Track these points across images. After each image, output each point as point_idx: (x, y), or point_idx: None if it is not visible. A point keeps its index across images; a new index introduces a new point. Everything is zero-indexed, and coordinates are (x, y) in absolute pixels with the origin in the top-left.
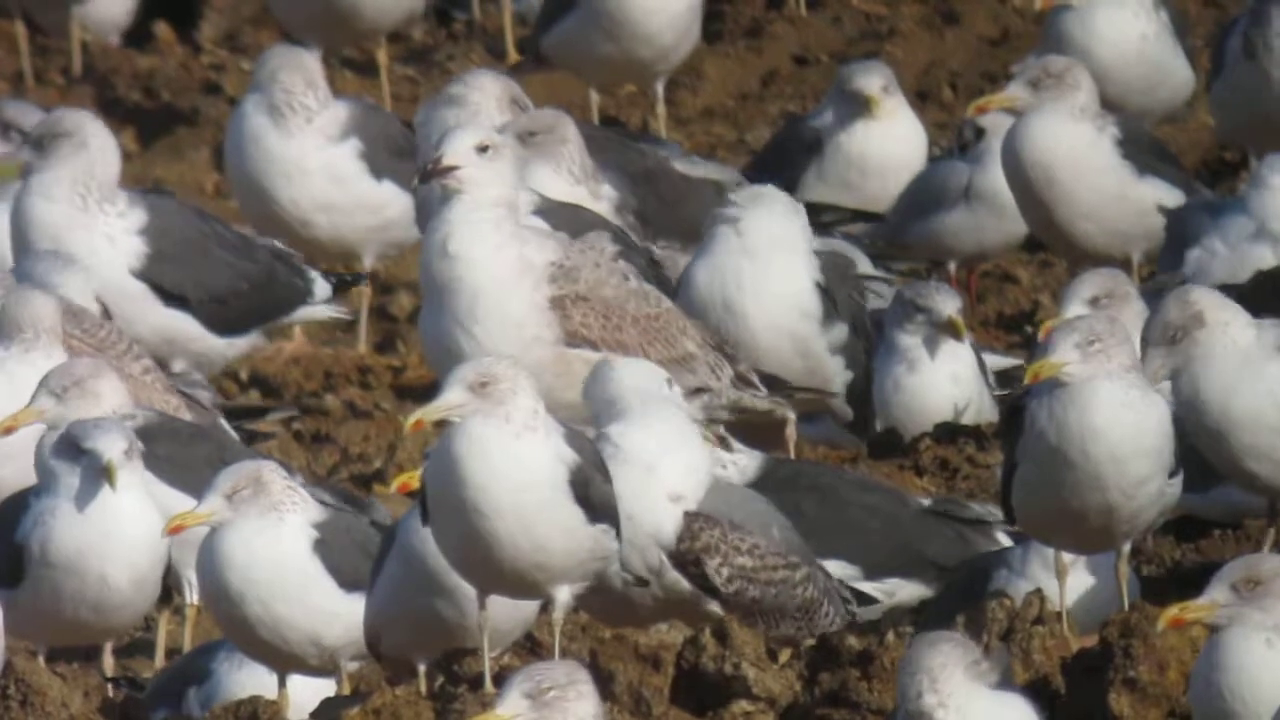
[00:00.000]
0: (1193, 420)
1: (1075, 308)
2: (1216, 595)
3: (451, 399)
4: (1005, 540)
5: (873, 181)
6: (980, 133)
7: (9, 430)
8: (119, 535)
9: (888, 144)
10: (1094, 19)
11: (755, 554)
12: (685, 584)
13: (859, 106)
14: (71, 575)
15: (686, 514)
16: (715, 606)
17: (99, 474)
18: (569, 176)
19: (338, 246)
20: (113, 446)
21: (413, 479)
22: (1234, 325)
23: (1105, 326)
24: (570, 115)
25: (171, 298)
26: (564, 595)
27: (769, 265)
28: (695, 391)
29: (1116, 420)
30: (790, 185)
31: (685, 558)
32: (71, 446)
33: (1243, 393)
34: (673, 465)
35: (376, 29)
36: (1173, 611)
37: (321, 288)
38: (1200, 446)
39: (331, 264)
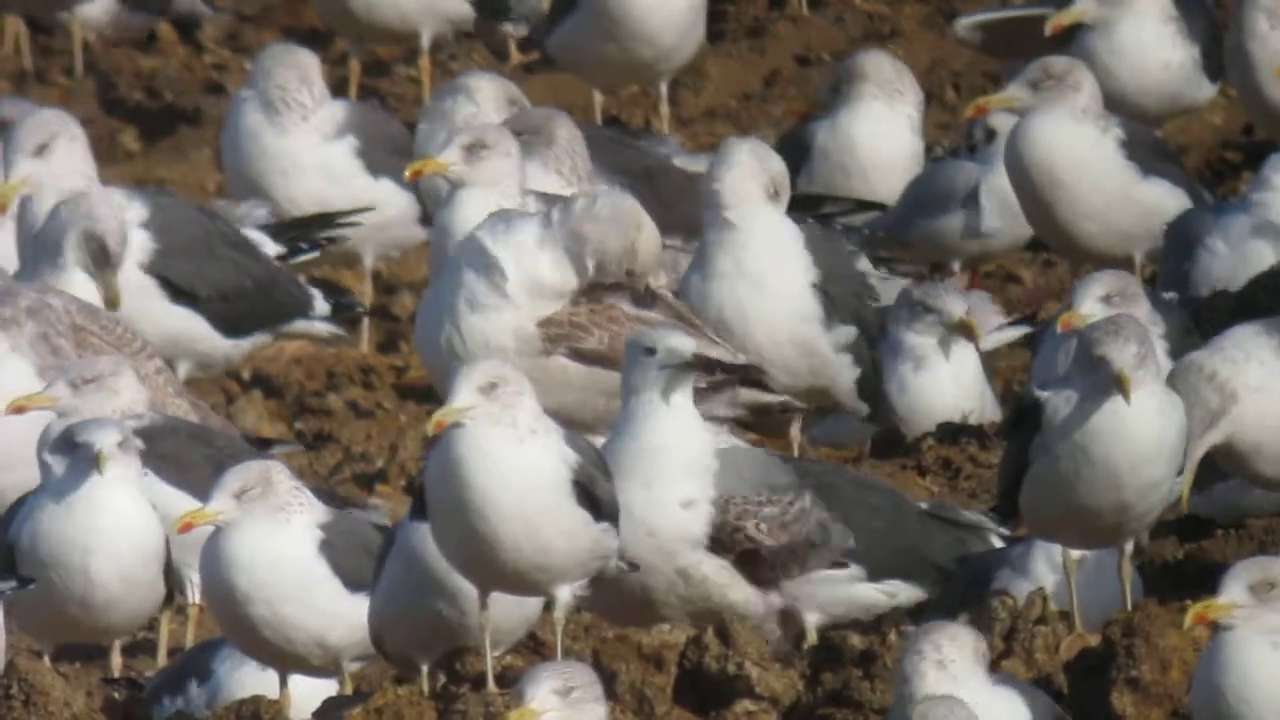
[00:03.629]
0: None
1: (1089, 305)
2: (1235, 596)
3: (465, 400)
4: (1000, 545)
5: (856, 181)
6: (991, 134)
7: (19, 410)
8: (102, 529)
9: (876, 143)
10: (1118, 36)
11: (770, 504)
12: (716, 573)
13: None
14: (56, 569)
15: (710, 498)
16: (742, 594)
17: (87, 465)
18: (558, 177)
19: (335, 246)
20: (105, 438)
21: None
22: (1266, 389)
23: (1145, 332)
24: (565, 116)
25: (180, 294)
26: (565, 594)
27: (764, 278)
28: (705, 389)
29: (1145, 426)
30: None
31: (723, 532)
32: (66, 442)
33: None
34: (675, 470)
35: (417, 30)
36: (1199, 608)
37: (320, 305)
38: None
39: (333, 265)
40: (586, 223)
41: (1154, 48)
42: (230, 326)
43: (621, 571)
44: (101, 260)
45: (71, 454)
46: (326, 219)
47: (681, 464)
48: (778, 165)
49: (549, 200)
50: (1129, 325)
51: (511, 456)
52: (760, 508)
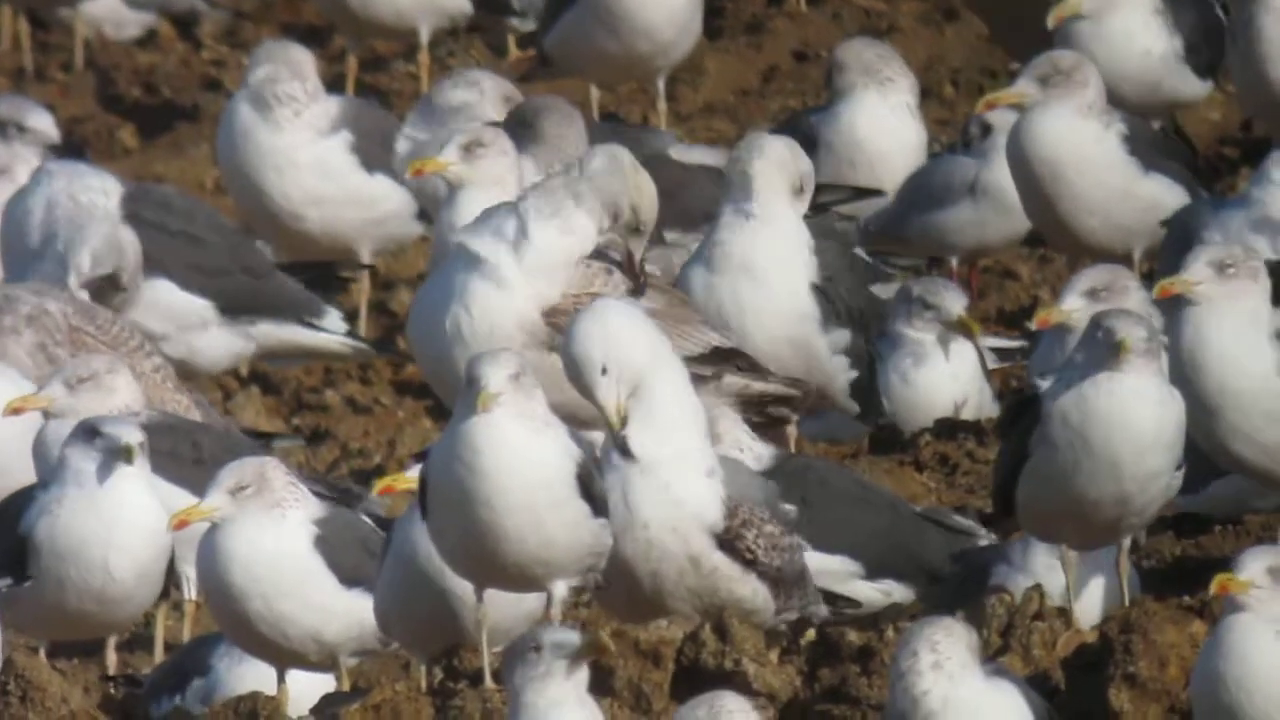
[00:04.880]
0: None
1: (1073, 300)
2: (1254, 575)
3: (499, 386)
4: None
5: (863, 173)
6: (987, 129)
7: (16, 411)
8: (124, 524)
9: (878, 135)
10: (1110, 24)
11: (773, 524)
12: (727, 566)
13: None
14: (76, 564)
15: (721, 496)
16: (749, 588)
17: (113, 457)
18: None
19: (331, 241)
20: (130, 432)
21: (398, 481)
22: (1266, 304)
23: (1155, 330)
24: (557, 105)
25: (153, 265)
26: (561, 590)
27: (765, 280)
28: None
29: (1145, 413)
30: None
31: (727, 535)
32: (86, 434)
33: (1241, 368)
34: (696, 439)
35: (414, 26)
36: (1223, 577)
37: (335, 322)
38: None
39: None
40: (585, 181)
41: (1138, 36)
42: (210, 295)
43: (597, 584)
44: (110, 290)
45: (91, 446)
46: (325, 269)
47: (700, 437)
48: (807, 165)
49: None
50: (1144, 318)
51: (527, 448)
52: (763, 524)
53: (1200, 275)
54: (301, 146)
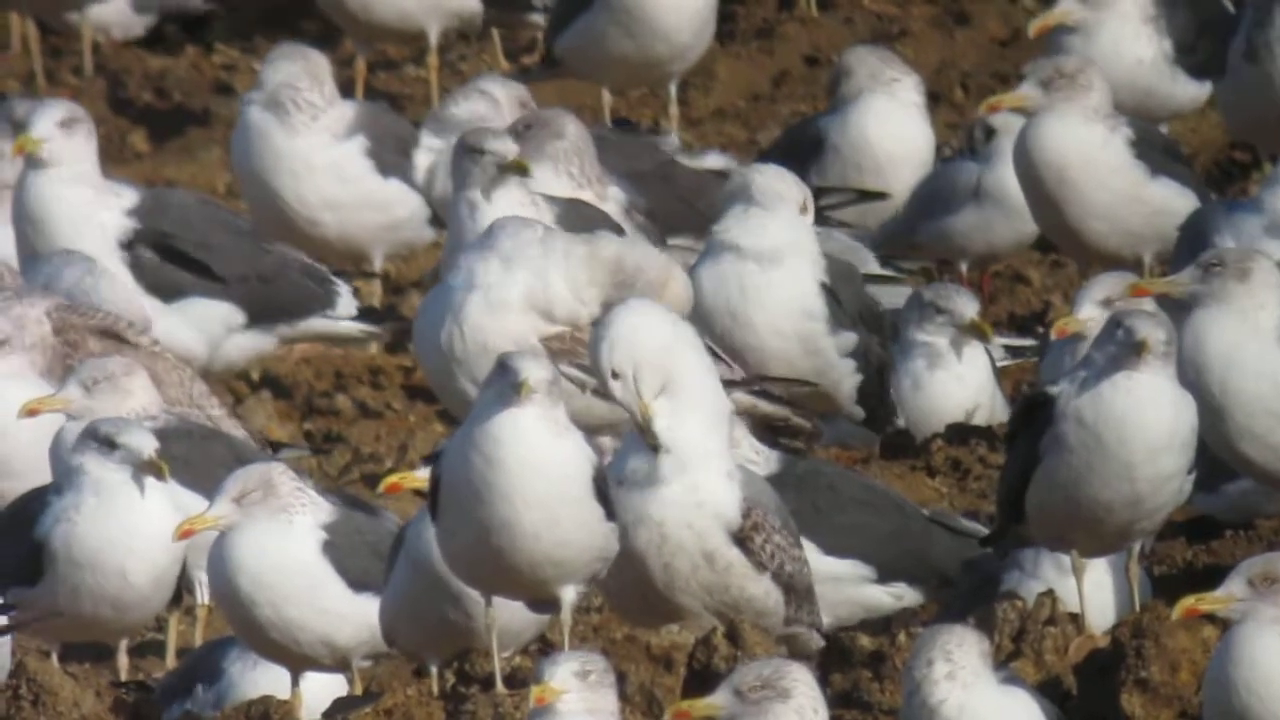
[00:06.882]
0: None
1: (1087, 309)
2: (1233, 589)
3: (539, 384)
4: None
5: (870, 178)
6: (990, 133)
7: (32, 413)
8: (141, 531)
9: (887, 139)
10: (1100, 36)
11: (783, 533)
12: (742, 563)
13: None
14: (93, 571)
15: (739, 497)
16: (762, 587)
17: (134, 470)
18: (568, 179)
19: (345, 245)
20: (148, 443)
21: (405, 480)
22: (1268, 306)
23: (1175, 335)
24: (572, 115)
25: (162, 285)
26: (570, 595)
27: (772, 270)
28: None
29: (1162, 414)
30: None
31: (740, 534)
32: (100, 443)
33: (1243, 369)
34: (721, 439)
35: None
36: (1189, 602)
37: (346, 304)
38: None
39: (342, 265)
40: (613, 272)
41: (1128, 46)
42: (230, 303)
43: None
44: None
45: (107, 455)
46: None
47: (723, 439)
48: (806, 191)
49: (560, 204)
50: (1165, 319)
51: (547, 445)
52: (774, 532)
53: (1185, 276)
54: (318, 150)
